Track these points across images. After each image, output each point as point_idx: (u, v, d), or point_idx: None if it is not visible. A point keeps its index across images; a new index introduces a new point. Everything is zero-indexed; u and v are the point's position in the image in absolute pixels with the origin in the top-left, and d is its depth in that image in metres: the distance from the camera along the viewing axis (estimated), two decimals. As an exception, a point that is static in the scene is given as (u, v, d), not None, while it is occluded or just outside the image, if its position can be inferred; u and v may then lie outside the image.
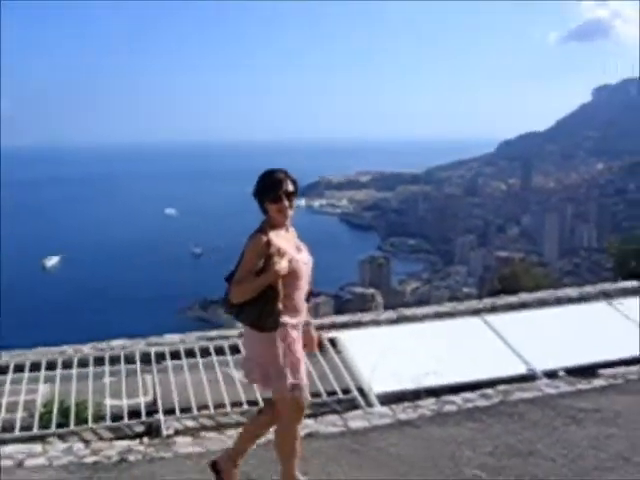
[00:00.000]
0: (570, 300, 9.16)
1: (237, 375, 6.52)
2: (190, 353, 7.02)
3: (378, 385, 6.31)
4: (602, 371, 6.50)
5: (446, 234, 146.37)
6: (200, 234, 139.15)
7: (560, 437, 5.04)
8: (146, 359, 6.93)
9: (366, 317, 8.39)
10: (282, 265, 3.72)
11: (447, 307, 8.93)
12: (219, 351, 7.08)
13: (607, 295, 9.39)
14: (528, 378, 6.55)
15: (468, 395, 5.94)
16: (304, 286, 3.94)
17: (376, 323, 8.11)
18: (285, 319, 3.81)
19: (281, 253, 3.75)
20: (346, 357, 6.83)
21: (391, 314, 8.51)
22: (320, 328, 7.67)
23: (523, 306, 8.80)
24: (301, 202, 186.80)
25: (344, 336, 7.25)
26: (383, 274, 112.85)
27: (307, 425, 5.49)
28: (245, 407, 6.07)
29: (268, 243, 3.74)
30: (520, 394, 5.90)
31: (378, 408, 5.86)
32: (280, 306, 3.77)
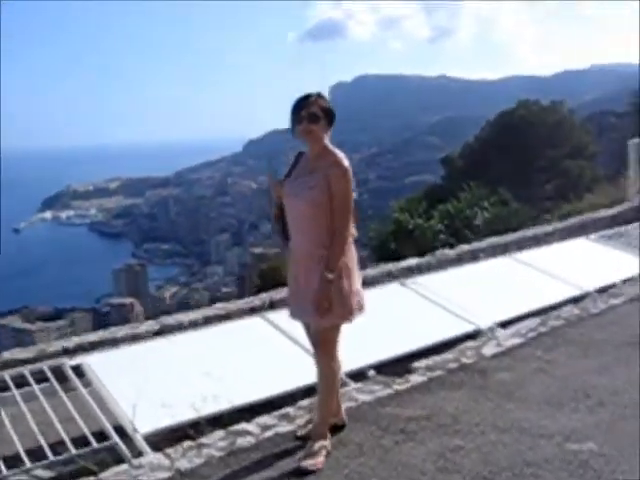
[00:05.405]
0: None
1: None
2: None
3: (145, 422, 4.66)
4: (416, 364, 5.44)
5: (200, 236, 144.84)
6: None
7: (396, 461, 3.79)
8: None
9: (121, 331, 6.65)
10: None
11: (217, 309, 7.48)
12: None
13: (392, 275, 8.57)
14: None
15: (265, 420, 4.50)
16: (293, 217, 3.91)
17: (135, 338, 6.40)
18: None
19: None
20: (98, 389, 5.10)
21: (152, 325, 6.86)
22: (59, 354, 5.90)
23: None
24: (47, 214, 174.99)
25: (94, 361, 5.48)
26: (140, 282, 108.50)
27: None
28: None
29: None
30: (330, 408, 4.59)
31: (149, 456, 4.22)
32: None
